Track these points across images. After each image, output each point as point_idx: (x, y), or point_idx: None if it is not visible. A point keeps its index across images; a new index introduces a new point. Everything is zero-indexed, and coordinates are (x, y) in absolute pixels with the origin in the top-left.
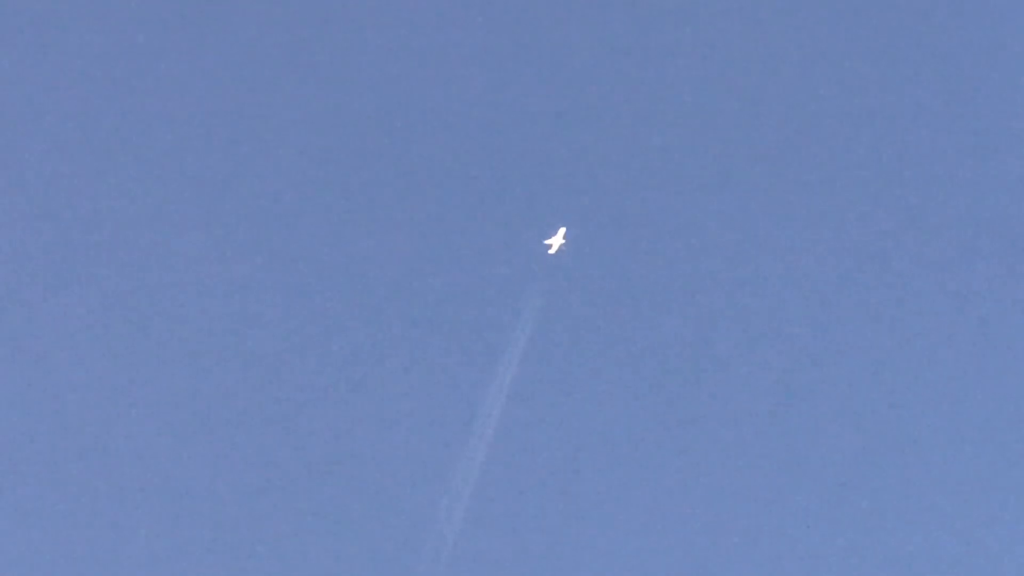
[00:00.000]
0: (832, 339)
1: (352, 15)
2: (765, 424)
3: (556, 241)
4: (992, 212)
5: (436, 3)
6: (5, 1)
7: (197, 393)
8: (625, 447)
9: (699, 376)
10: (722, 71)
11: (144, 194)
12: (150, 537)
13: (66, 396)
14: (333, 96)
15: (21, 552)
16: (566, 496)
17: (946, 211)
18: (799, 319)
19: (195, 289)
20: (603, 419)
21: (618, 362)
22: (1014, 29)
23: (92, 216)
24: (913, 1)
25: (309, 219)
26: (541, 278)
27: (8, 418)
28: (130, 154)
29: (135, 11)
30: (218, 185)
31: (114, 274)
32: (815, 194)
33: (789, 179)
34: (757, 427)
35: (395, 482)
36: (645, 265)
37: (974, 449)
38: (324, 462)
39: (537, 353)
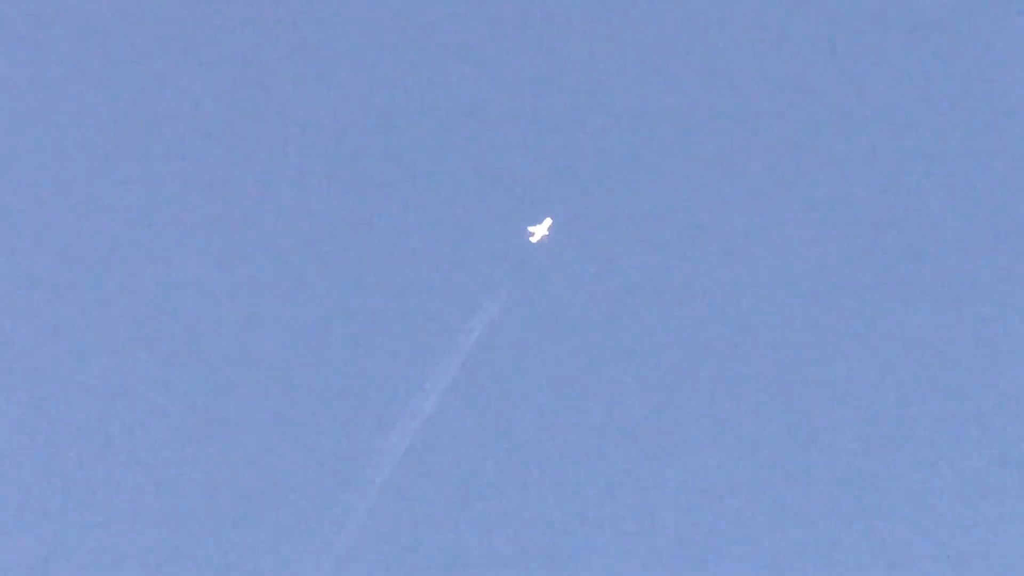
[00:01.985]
0: (830, 339)
1: (341, 8)
2: (761, 424)
3: (540, 231)
4: (992, 212)
5: None
6: (5, 1)
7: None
8: (604, 441)
9: (686, 373)
10: (721, 65)
11: (134, 193)
12: (149, 537)
13: (65, 396)
14: (324, 84)
15: (21, 552)
16: (502, 489)
17: (946, 211)
18: (797, 318)
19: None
20: (569, 410)
21: (588, 356)
22: (1014, 29)
23: (92, 216)
24: (913, 1)
25: (302, 200)
26: (515, 265)
27: (9, 418)
28: (129, 154)
29: (135, 11)
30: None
31: (113, 274)
32: (813, 192)
33: (787, 177)
34: (752, 425)
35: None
36: (631, 261)
37: (974, 449)
38: (314, 453)
39: (500, 340)
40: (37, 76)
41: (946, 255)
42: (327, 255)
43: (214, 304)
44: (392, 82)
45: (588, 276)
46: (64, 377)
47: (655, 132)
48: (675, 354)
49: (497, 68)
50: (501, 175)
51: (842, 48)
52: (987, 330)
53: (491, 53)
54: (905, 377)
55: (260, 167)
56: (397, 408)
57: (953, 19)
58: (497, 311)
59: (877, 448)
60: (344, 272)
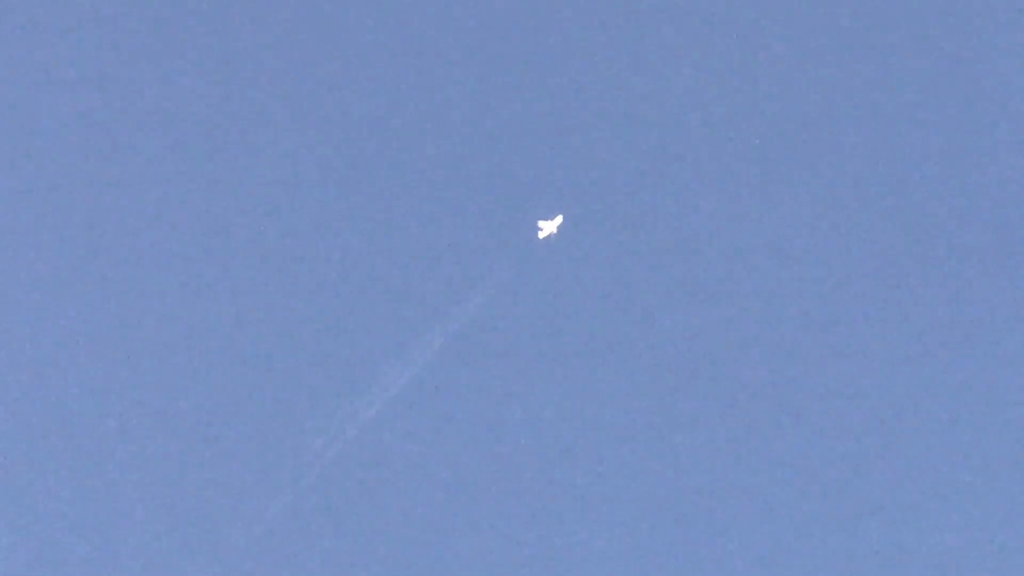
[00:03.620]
0: (828, 338)
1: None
2: (761, 423)
3: (549, 227)
4: (993, 212)
5: None
6: (5, 1)
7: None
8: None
9: (691, 375)
10: (721, 64)
11: (129, 193)
12: (149, 537)
13: (64, 396)
14: (323, 82)
15: (21, 552)
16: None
17: (946, 211)
18: (799, 318)
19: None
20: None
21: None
22: (1014, 29)
23: (91, 216)
24: (914, 1)
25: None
26: (516, 258)
27: (8, 418)
28: (128, 154)
29: (135, 11)
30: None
31: (112, 274)
32: (824, 192)
33: (785, 176)
34: (752, 425)
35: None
36: (635, 264)
37: (975, 450)
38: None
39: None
40: (37, 76)
41: (946, 255)
42: (327, 239)
43: (203, 292)
44: (412, 72)
45: (589, 277)
46: (62, 377)
47: (671, 138)
48: (666, 356)
49: (523, 65)
50: (521, 168)
51: (845, 49)
52: (988, 330)
53: (512, 51)
54: (905, 377)
55: (270, 156)
56: (366, 388)
57: (954, 19)
58: (485, 300)
59: (877, 448)
60: (346, 255)
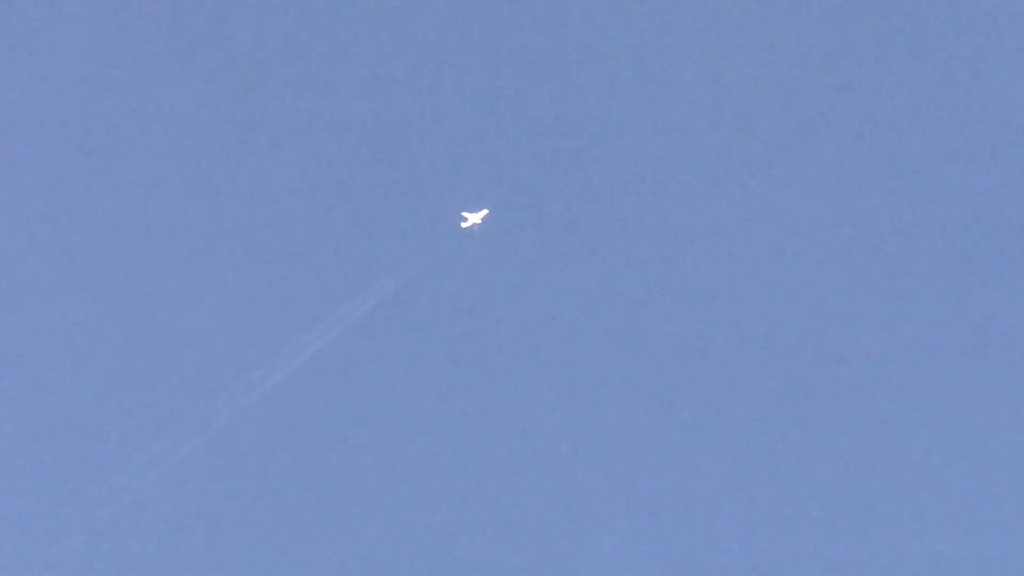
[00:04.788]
0: (826, 338)
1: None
2: (752, 422)
3: (473, 219)
4: (993, 212)
5: None
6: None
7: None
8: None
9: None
10: (719, 64)
11: (126, 193)
12: (148, 537)
13: (64, 395)
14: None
15: (21, 552)
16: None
17: (946, 211)
18: (794, 319)
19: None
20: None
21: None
22: (1014, 29)
23: (90, 216)
24: (914, 1)
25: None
26: (434, 245)
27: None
28: (127, 154)
29: (135, 11)
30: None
31: (111, 274)
32: (810, 189)
33: (783, 176)
34: (753, 426)
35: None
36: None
37: (975, 450)
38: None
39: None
40: (37, 76)
41: (946, 255)
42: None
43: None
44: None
45: (508, 271)
46: (62, 377)
47: (657, 138)
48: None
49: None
50: (455, 159)
51: (846, 51)
52: (988, 330)
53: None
54: (905, 377)
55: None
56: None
57: (954, 19)
58: (395, 286)
59: (876, 449)
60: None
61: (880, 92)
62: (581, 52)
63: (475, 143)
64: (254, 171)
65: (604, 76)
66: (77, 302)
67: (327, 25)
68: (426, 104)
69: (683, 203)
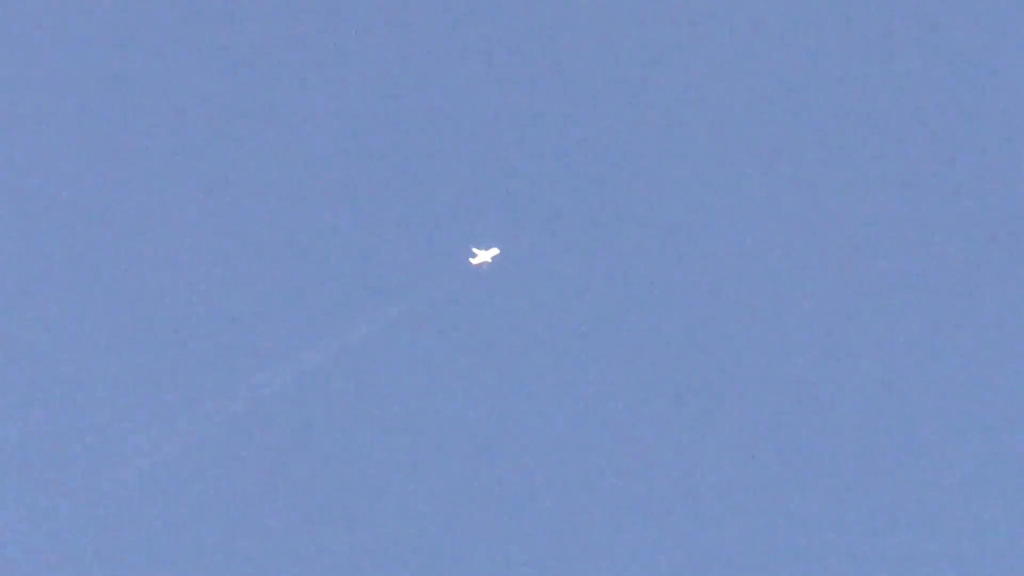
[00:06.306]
0: (833, 339)
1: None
2: (754, 424)
3: (483, 255)
4: (994, 212)
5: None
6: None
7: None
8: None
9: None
10: (720, 67)
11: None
12: (148, 538)
13: (64, 395)
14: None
15: (21, 552)
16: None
17: (948, 212)
18: (794, 319)
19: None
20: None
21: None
22: (1014, 29)
23: (90, 216)
24: (913, 1)
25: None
26: (442, 279)
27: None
28: (127, 154)
29: (135, 11)
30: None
31: (111, 273)
32: (809, 189)
33: (784, 177)
34: (744, 427)
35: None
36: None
37: (975, 451)
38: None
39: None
40: (37, 76)
41: (951, 254)
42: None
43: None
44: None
45: (510, 312)
46: (63, 377)
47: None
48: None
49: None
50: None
51: (847, 51)
52: (988, 330)
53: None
54: (905, 377)
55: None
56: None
57: (954, 19)
58: (393, 316)
59: (877, 449)
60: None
61: (882, 92)
62: (602, 97)
63: (492, 176)
64: (262, 187)
65: (623, 118)
66: (86, 300)
67: (347, 51)
68: (444, 135)
69: (696, 235)
